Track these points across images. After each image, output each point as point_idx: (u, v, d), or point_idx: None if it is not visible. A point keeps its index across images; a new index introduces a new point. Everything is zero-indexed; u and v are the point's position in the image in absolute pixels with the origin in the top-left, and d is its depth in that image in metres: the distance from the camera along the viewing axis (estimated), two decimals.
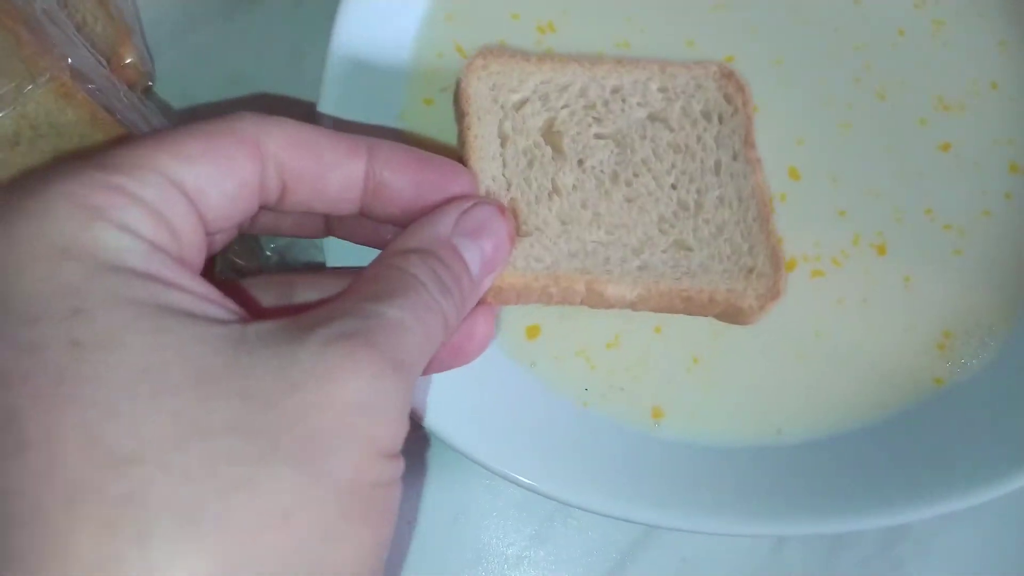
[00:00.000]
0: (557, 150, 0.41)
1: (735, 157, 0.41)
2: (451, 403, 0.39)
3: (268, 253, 0.47)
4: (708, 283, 0.39)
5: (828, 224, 0.44)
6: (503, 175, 0.40)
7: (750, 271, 0.39)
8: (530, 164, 0.40)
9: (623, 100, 0.42)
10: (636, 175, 0.41)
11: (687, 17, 0.47)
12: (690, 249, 0.40)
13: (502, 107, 0.41)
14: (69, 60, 0.40)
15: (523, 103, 0.42)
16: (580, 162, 0.41)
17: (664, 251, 0.39)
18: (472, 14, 0.46)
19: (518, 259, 0.38)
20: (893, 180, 0.45)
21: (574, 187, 0.40)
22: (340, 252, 0.40)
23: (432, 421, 0.38)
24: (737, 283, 0.39)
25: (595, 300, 0.39)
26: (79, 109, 0.39)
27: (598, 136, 0.41)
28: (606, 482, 0.39)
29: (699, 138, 0.42)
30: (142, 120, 0.40)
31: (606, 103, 0.42)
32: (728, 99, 0.43)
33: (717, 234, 0.40)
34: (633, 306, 0.39)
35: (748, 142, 0.42)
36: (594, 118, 0.42)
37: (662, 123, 0.42)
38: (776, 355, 0.42)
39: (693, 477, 0.40)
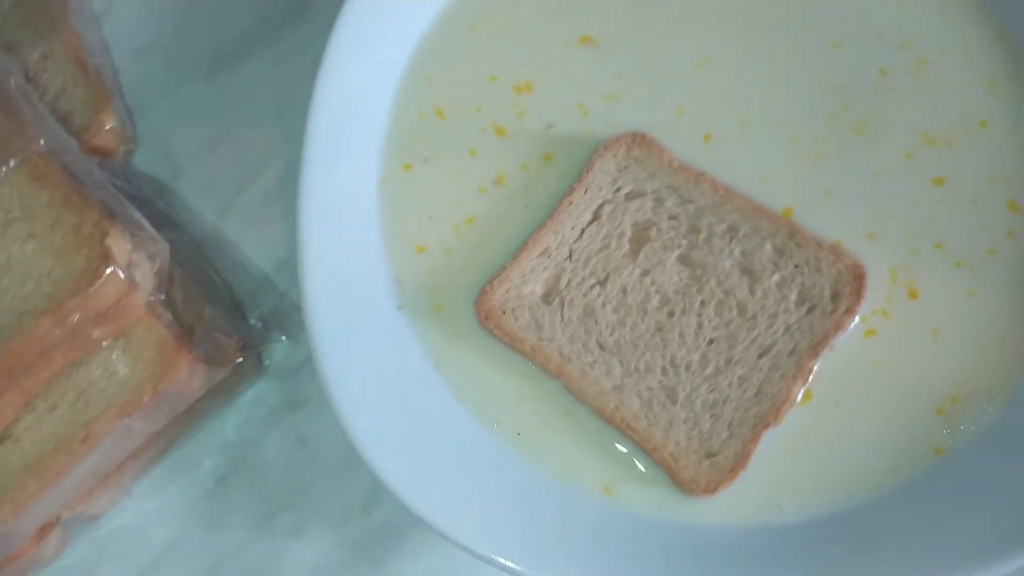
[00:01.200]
0: (634, 251, 0.41)
1: (790, 353, 0.40)
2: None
3: (252, 322, 0.46)
4: (663, 436, 0.39)
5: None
6: (571, 245, 0.41)
7: (708, 456, 0.39)
8: (601, 249, 0.41)
9: (730, 240, 0.41)
10: (684, 312, 0.40)
11: (667, 74, 0.45)
12: (674, 402, 0.39)
13: (616, 191, 0.42)
14: (42, 141, 0.39)
15: (637, 196, 0.42)
16: (645, 272, 0.41)
17: (649, 387, 0.40)
18: (451, 76, 0.46)
19: (520, 310, 0.40)
20: (890, 211, 0.43)
21: (622, 289, 0.41)
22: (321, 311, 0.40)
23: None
24: (688, 457, 0.39)
25: (569, 385, 0.40)
26: (52, 191, 0.38)
27: (680, 259, 0.41)
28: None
29: (773, 316, 0.40)
30: (115, 200, 0.39)
31: (711, 235, 0.41)
32: (834, 298, 0.40)
33: (709, 406, 0.39)
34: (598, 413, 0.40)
35: (815, 350, 0.40)
36: (690, 242, 0.41)
37: (749, 281, 0.41)
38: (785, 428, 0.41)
39: (699, 558, 0.40)
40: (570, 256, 0.42)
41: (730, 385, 0.40)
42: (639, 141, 0.43)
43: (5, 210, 0.39)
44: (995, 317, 0.42)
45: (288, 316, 0.47)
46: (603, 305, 0.41)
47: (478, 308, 0.41)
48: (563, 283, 0.41)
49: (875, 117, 0.44)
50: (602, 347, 0.40)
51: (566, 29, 0.46)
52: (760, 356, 0.40)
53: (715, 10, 0.46)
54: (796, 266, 0.40)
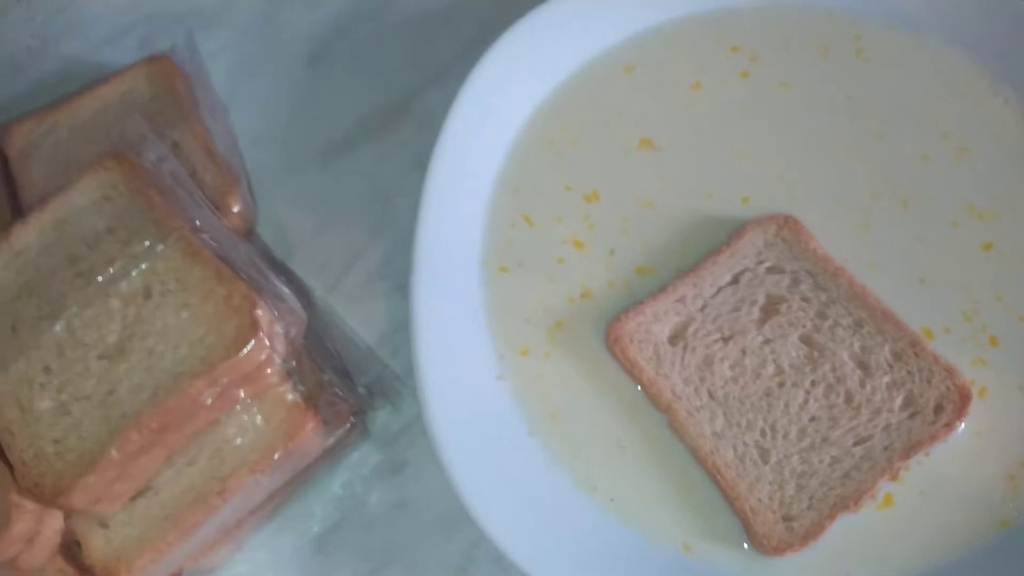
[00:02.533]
0: (762, 320, 0.46)
1: (884, 449, 0.43)
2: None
3: (360, 389, 0.50)
4: (747, 490, 0.43)
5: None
6: (707, 299, 0.47)
7: (786, 519, 0.43)
8: (732, 310, 0.46)
9: (854, 333, 0.45)
10: (794, 385, 0.45)
11: (713, 166, 0.51)
12: (765, 462, 0.43)
13: (758, 263, 0.47)
14: (197, 221, 0.44)
15: (777, 272, 0.47)
16: (767, 341, 0.45)
17: (746, 443, 0.44)
18: (534, 186, 0.51)
19: (646, 343, 0.46)
20: (942, 274, 0.47)
21: (742, 350, 0.45)
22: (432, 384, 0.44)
23: None
24: (766, 515, 0.43)
25: (673, 422, 0.45)
26: (205, 266, 0.43)
27: (802, 338, 0.45)
28: None
29: (877, 411, 0.44)
30: (257, 273, 0.44)
31: (837, 324, 0.45)
32: (937, 410, 0.43)
33: (796, 475, 0.43)
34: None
35: (907, 452, 0.43)
36: (815, 325, 0.45)
37: (862, 374, 0.44)
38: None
39: None
40: (703, 309, 0.46)
41: (821, 462, 0.43)
42: (790, 224, 0.47)
43: (162, 282, 0.43)
44: None
45: (390, 385, 0.51)
46: (722, 360, 0.45)
47: (609, 331, 0.46)
48: (690, 331, 0.46)
49: (920, 194, 0.49)
50: (712, 396, 0.45)
51: (625, 135, 0.52)
52: (855, 444, 0.43)
53: (760, 109, 0.52)
54: (909, 372, 0.44)
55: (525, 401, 0.47)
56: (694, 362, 0.46)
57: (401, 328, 0.51)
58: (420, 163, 0.52)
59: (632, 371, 0.46)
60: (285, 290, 0.44)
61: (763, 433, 0.44)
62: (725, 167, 0.51)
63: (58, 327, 0.43)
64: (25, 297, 0.44)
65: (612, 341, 0.46)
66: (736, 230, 0.48)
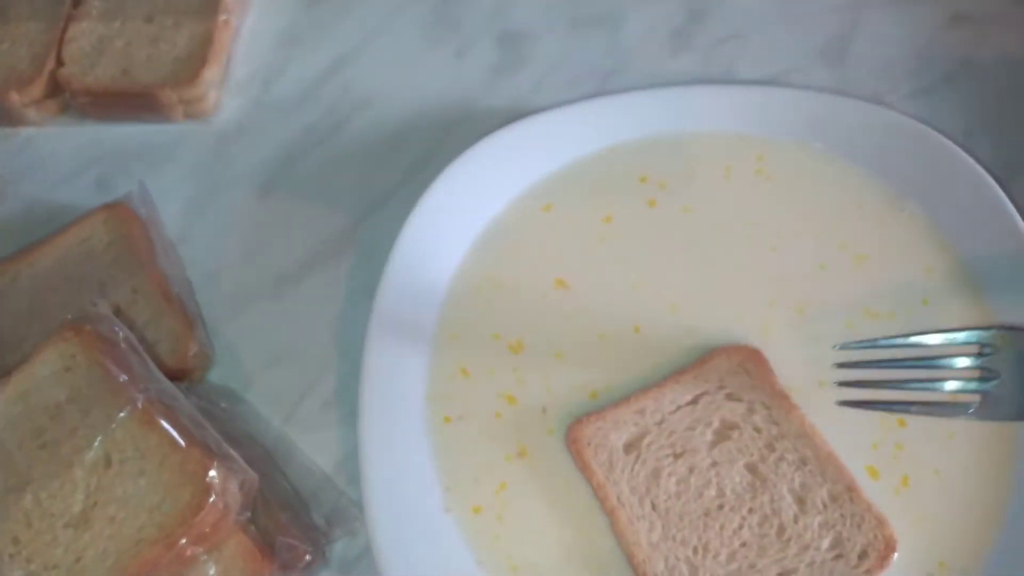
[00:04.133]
0: (713, 442, 0.49)
1: (783, 574, 0.46)
2: None
3: (318, 520, 0.53)
4: None
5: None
6: (665, 415, 0.50)
7: None
8: (687, 429, 0.49)
9: (796, 470, 0.48)
10: (732, 510, 0.47)
11: (616, 300, 0.54)
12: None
13: (719, 387, 0.50)
14: (151, 391, 0.47)
15: (735, 399, 0.49)
16: (714, 463, 0.48)
17: (677, 557, 0.47)
18: (469, 335, 0.54)
19: (602, 448, 0.49)
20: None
21: (689, 469, 0.48)
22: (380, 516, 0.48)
23: None
24: None
25: (614, 526, 0.48)
26: (159, 434, 0.46)
27: (747, 466, 0.48)
28: None
29: (805, 548, 0.46)
30: (212, 439, 0.47)
31: (782, 459, 0.48)
32: (862, 555, 0.45)
33: None
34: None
35: None
36: (762, 456, 0.48)
37: (797, 510, 0.47)
38: None
39: None
40: (660, 423, 0.49)
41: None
42: (754, 357, 0.50)
43: (121, 450, 0.46)
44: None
45: (347, 512, 0.53)
46: (669, 475, 0.48)
47: (570, 431, 0.50)
48: (645, 442, 0.49)
49: (815, 300, 0.53)
50: (654, 507, 0.48)
51: (543, 278, 0.55)
52: (779, 575, 0.46)
53: (664, 236, 0.56)
54: (841, 515, 0.46)
55: (472, 534, 0.50)
56: (643, 472, 0.49)
57: (355, 455, 0.53)
58: (369, 290, 0.55)
59: (584, 471, 0.49)
60: (233, 453, 0.46)
61: (695, 551, 0.47)
62: (627, 298, 0.54)
63: (26, 498, 0.45)
64: None
65: (571, 441, 0.50)
66: (702, 356, 0.51)
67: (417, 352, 0.54)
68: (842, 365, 0.50)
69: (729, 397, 0.50)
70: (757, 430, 0.49)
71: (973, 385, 0.48)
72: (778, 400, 0.50)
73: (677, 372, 0.51)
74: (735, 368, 0.50)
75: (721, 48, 0.64)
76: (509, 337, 0.54)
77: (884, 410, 0.48)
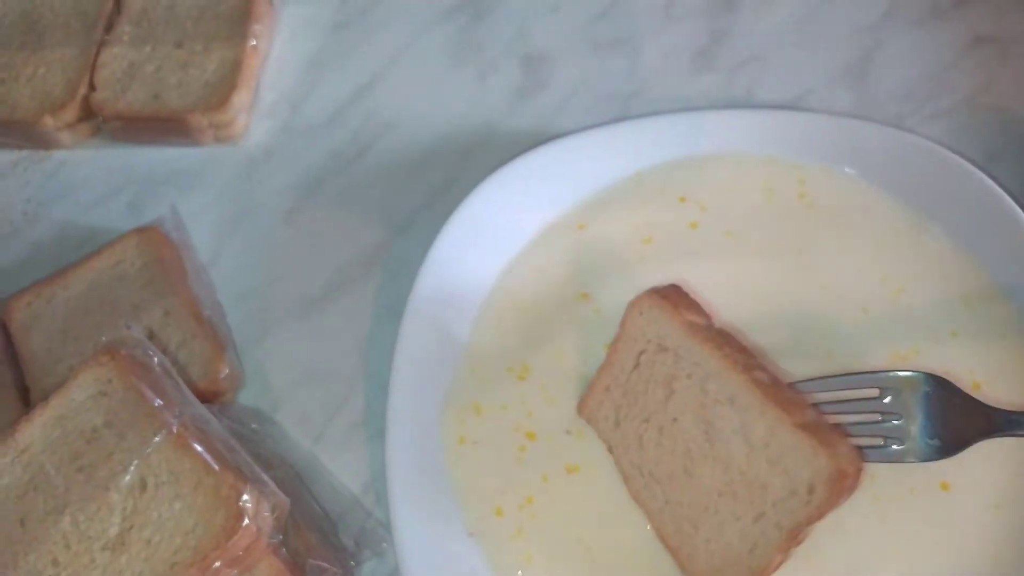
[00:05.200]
0: (665, 398, 0.47)
1: (775, 527, 0.42)
2: None
3: (346, 542, 0.54)
4: (684, 559, 0.46)
5: None
6: (623, 386, 0.49)
7: None
8: (642, 392, 0.48)
9: (731, 409, 0.44)
10: (701, 463, 0.45)
11: None
12: (695, 532, 0.46)
13: (648, 341, 0.48)
14: (184, 413, 0.48)
15: (663, 350, 0.48)
16: (674, 419, 0.47)
17: (680, 516, 0.46)
18: (496, 356, 0.55)
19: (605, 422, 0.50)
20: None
21: (659, 430, 0.47)
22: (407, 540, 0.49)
23: None
24: None
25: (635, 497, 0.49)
26: (193, 458, 0.47)
27: (695, 416, 0.46)
28: None
29: (764, 488, 0.43)
30: (244, 464, 0.48)
31: (717, 401, 0.45)
32: (810, 490, 0.41)
33: (720, 549, 0.45)
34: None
35: (793, 534, 0.42)
36: (701, 402, 0.45)
37: (747, 450, 0.43)
38: None
39: None
40: (624, 393, 0.49)
41: (733, 535, 0.44)
42: (664, 295, 0.48)
43: (156, 474, 0.47)
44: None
45: (375, 533, 0.54)
46: (648, 441, 0.48)
47: (579, 408, 0.51)
48: (622, 415, 0.49)
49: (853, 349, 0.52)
50: (651, 475, 0.47)
51: (573, 296, 0.55)
52: (755, 521, 0.43)
53: (709, 258, 0.55)
54: (784, 450, 0.42)
55: (496, 556, 0.51)
56: (631, 445, 0.49)
57: (383, 476, 0.54)
58: (395, 312, 0.56)
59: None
60: (265, 476, 0.47)
61: (690, 506, 0.46)
62: None
63: (64, 521, 0.46)
64: (32, 492, 0.48)
65: (585, 417, 0.51)
66: None
67: (443, 373, 0.54)
68: None
69: (659, 348, 0.48)
70: (689, 376, 0.46)
71: (878, 428, 0.47)
72: (690, 339, 0.46)
73: (613, 340, 0.50)
74: (654, 316, 0.48)
75: (742, 70, 0.64)
76: (536, 359, 0.54)
77: None
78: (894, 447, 0.47)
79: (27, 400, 0.56)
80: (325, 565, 0.50)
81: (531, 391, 0.54)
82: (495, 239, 0.58)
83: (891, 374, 0.48)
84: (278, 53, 0.69)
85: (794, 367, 0.51)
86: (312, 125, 0.66)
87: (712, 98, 0.63)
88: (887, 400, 0.48)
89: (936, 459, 0.46)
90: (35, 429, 0.49)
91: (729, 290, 0.53)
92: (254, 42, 0.65)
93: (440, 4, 0.69)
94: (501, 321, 0.56)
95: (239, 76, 0.64)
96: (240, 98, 0.64)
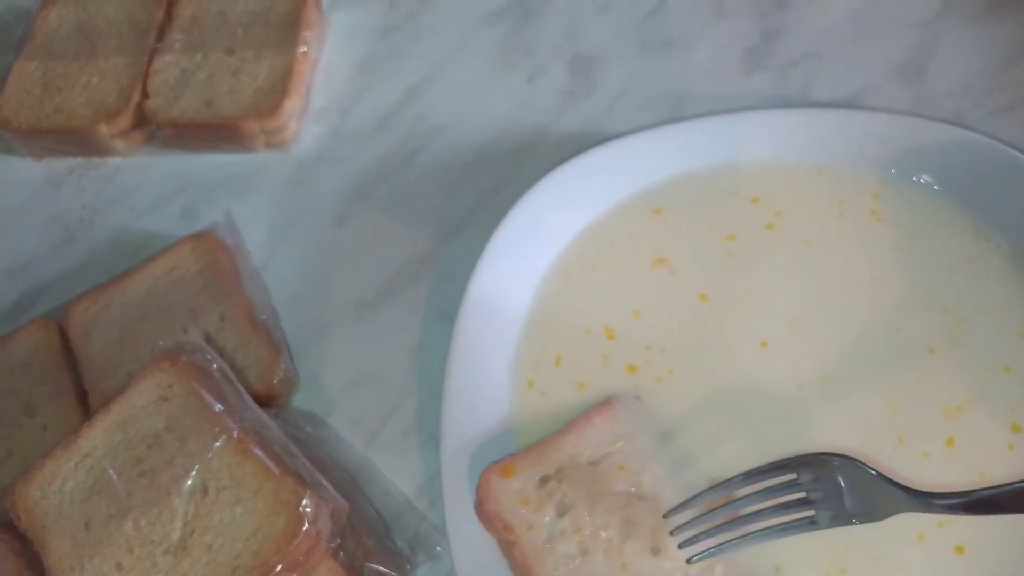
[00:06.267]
0: None
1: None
2: None
3: (401, 545, 0.54)
4: None
5: None
6: None
7: None
8: None
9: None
10: None
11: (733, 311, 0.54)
12: None
13: None
14: (244, 418, 0.48)
15: None
16: None
17: None
18: (550, 358, 0.55)
19: None
20: None
21: None
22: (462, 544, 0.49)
23: None
24: None
25: None
26: (254, 463, 0.47)
27: None
28: None
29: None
30: (304, 469, 0.48)
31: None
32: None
33: None
34: None
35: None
36: None
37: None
38: None
39: None
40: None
41: None
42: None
43: (217, 479, 0.47)
44: None
45: (429, 537, 0.54)
46: None
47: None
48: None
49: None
50: None
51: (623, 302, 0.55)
52: None
53: (787, 264, 0.55)
54: None
55: None
56: None
57: (437, 479, 0.54)
58: (447, 315, 0.56)
59: None
60: (323, 481, 0.47)
61: None
62: (744, 313, 0.54)
63: (127, 525, 0.47)
64: (95, 497, 0.48)
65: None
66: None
67: (497, 376, 0.54)
68: (676, 530, 0.46)
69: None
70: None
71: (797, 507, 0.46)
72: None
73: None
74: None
75: (795, 68, 0.63)
76: (589, 363, 0.54)
77: (730, 548, 0.45)
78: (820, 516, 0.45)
79: (86, 404, 0.57)
80: (383, 569, 0.50)
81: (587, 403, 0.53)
82: (547, 242, 0.57)
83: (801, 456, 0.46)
84: (328, 59, 0.69)
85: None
86: (362, 130, 0.66)
87: (764, 97, 0.63)
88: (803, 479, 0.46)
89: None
90: (97, 434, 0.49)
91: (803, 298, 0.54)
92: (304, 48, 0.66)
93: (488, 6, 0.69)
94: (560, 319, 0.56)
95: (290, 82, 0.64)
96: (291, 104, 0.64)
